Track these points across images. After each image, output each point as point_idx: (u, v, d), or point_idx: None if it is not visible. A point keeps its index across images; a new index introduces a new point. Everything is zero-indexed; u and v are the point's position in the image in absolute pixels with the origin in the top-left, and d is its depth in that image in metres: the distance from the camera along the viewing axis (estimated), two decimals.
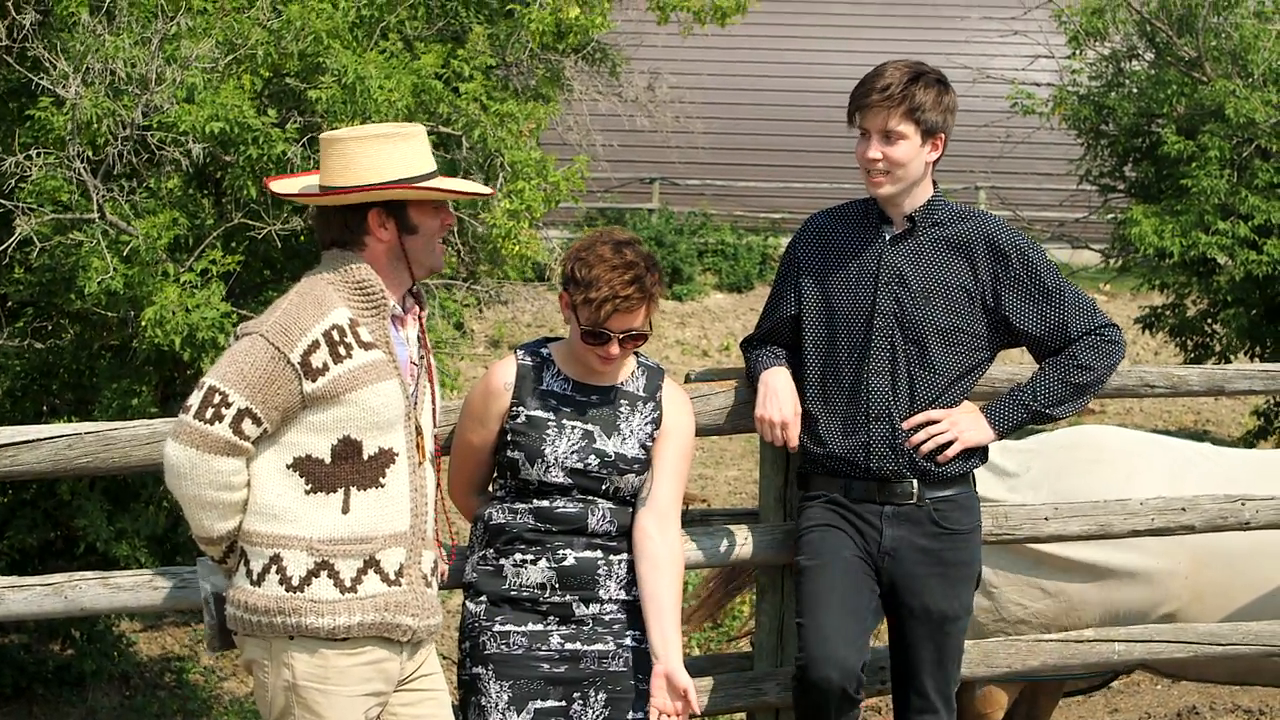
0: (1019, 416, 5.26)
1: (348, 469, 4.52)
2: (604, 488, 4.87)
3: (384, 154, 4.54)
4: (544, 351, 4.98)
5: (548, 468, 4.84)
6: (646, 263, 4.82)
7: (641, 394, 4.96)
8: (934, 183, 5.26)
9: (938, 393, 5.19)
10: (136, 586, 4.96)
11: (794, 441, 5.20)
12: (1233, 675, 6.47)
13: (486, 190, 4.92)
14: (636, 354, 4.99)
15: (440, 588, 4.99)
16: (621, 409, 4.92)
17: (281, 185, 4.81)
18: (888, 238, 5.22)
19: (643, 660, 4.92)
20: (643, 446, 4.92)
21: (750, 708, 5.64)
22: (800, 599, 5.24)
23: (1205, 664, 6.19)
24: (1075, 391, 5.28)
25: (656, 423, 4.95)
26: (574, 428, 4.87)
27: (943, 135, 5.15)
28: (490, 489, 5.05)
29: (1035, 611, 6.30)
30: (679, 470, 4.98)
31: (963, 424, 5.20)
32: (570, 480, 4.85)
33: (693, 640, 9.66)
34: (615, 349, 4.80)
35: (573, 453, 4.85)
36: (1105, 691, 9.17)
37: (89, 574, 4.99)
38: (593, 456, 4.86)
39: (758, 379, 5.26)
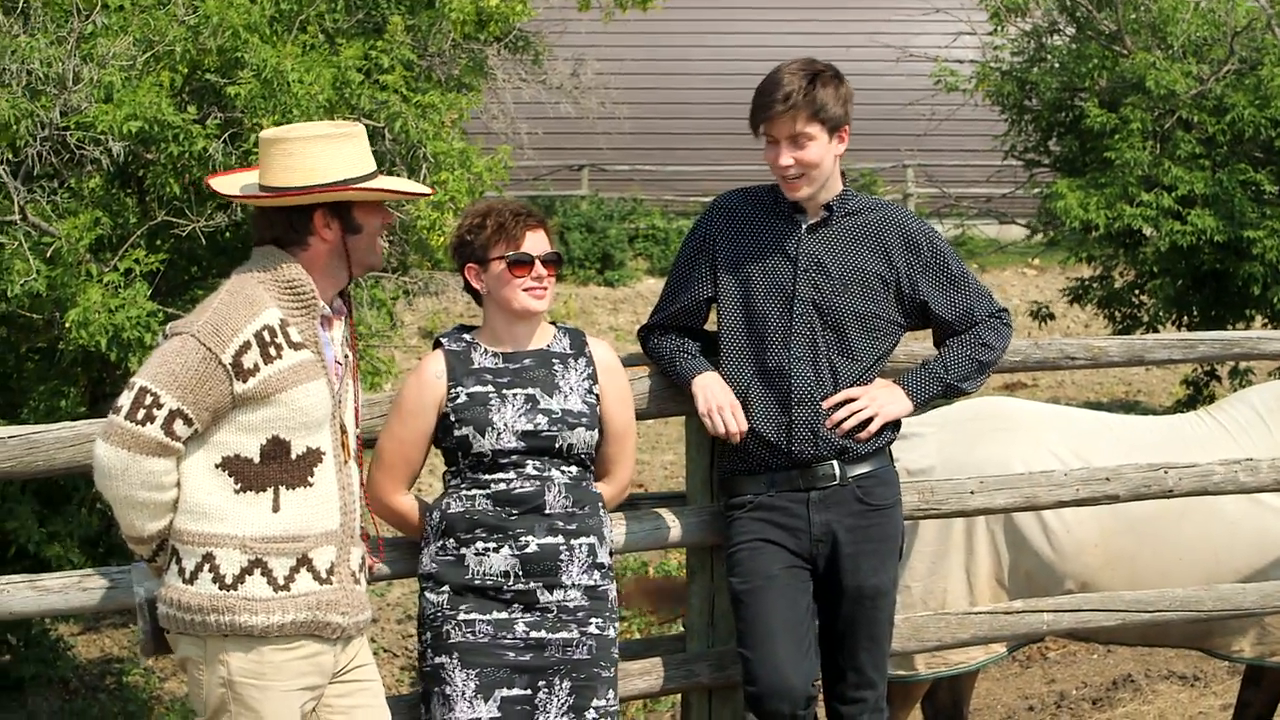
0: (934, 389, 5.37)
1: (276, 468, 4.52)
2: (557, 446, 4.93)
3: (328, 154, 4.55)
4: (466, 336, 5.06)
5: (499, 434, 4.89)
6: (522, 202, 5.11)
7: (570, 351, 5.06)
8: (842, 173, 5.31)
9: (856, 377, 5.26)
10: (66, 588, 4.93)
11: (744, 424, 5.22)
12: (1144, 638, 6.55)
13: (427, 190, 4.96)
14: (553, 322, 5.10)
15: (375, 580, 5.02)
16: (555, 368, 5.00)
17: (222, 184, 4.80)
18: (804, 226, 5.26)
19: (605, 648, 4.98)
20: (584, 402, 4.99)
21: (684, 689, 5.67)
22: (741, 629, 5.29)
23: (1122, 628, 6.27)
24: (980, 368, 5.43)
25: (593, 377, 5.04)
26: (515, 394, 4.94)
27: (847, 127, 5.20)
28: (443, 479, 5.08)
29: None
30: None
31: (881, 399, 5.27)
32: (523, 444, 4.90)
33: (633, 625, 9.70)
34: (540, 269, 4.94)
35: (520, 416, 4.91)
36: (1042, 662, 9.27)
37: (16, 577, 4.96)
38: (540, 416, 4.92)
39: (688, 383, 5.27)
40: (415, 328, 18.24)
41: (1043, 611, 6.04)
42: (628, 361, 5.56)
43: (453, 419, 4.94)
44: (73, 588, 4.95)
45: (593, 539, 4.98)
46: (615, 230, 23.00)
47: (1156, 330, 14.14)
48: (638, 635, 9.38)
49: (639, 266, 23.00)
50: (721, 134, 25.82)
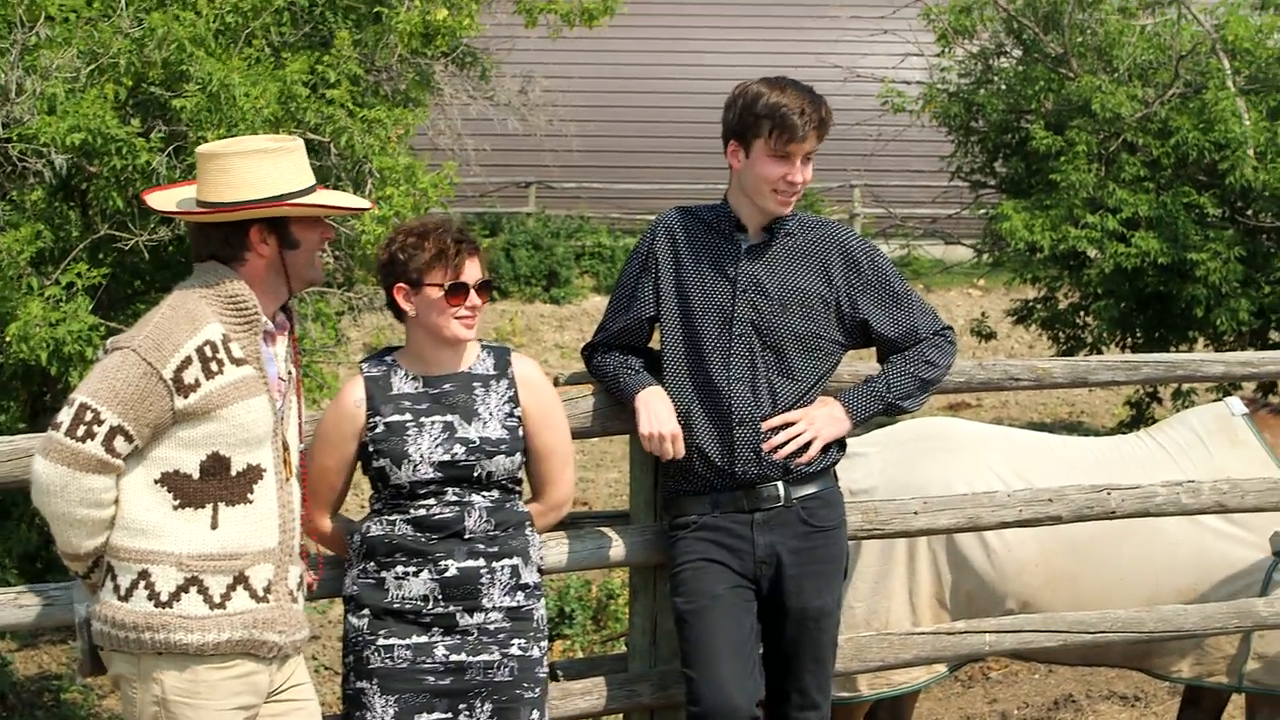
0: (874, 406, 5.37)
1: (216, 485, 4.49)
2: (475, 474, 4.88)
3: (265, 169, 4.52)
4: (388, 359, 5.02)
5: (415, 466, 4.85)
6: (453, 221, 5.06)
7: (493, 372, 5.00)
8: None
9: (796, 398, 5.26)
10: (1, 605, 4.89)
11: (682, 451, 5.22)
12: (1084, 658, 6.59)
13: (366, 205, 4.92)
14: (480, 340, 5.06)
15: (313, 598, 4.98)
16: (476, 392, 4.95)
17: (158, 200, 4.76)
18: (744, 246, 5.26)
19: (528, 668, 4.95)
20: (504, 427, 4.93)
21: (626, 708, 5.65)
22: (685, 649, 5.28)
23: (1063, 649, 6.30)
24: (923, 386, 5.43)
25: (514, 400, 4.97)
26: (433, 422, 4.89)
27: None
28: (368, 502, 5.05)
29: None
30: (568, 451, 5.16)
31: (819, 421, 5.27)
32: (440, 474, 4.85)
33: (575, 644, 9.67)
34: (474, 298, 4.90)
35: (437, 446, 4.86)
36: (984, 682, 9.28)
37: None
38: (458, 446, 4.87)
39: (632, 398, 5.27)
40: (360, 343, 18.18)
41: (985, 632, 6.06)
42: (572, 380, 5.55)
43: (371, 450, 4.90)
44: (8, 604, 4.90)
45: (516, 560, 4.94)
46: (562, 248, 23.02)
47: (1100, 351, 14.20)
48: (580, 654, 9.36)
49: (585, 284, 23.01)
50: (669, 152, 25.91)
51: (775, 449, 5.21)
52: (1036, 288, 15.05)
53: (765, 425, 5.21)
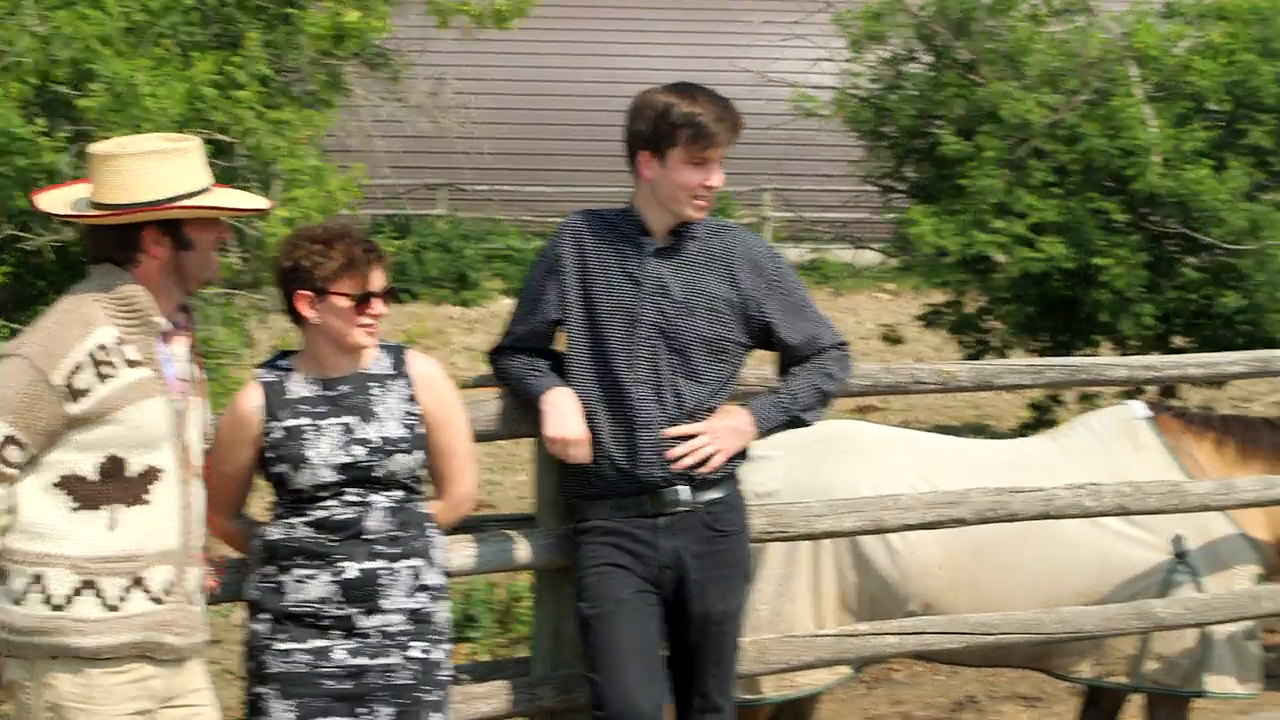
0: (780, 417, 5.37)
1: (113, 487, 4.45)
2: (376, 474, 4.85)
3: (160, 170, 4.47)
4: (283, 364, 4.97)
5: (315, 470, 4.82)
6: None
7: (390, 371, 4.97)
8: None
9: (701, 401, 5.25)
10: None
11: (589, 456, 5.22)
12: (986, 659, 6.64)
13: (265, 204, 4.88)
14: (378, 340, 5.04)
15: (215, 602, 4.95)
16: (373, 393, 4.91)
17: (49, 201, 4.69)
18: (650, 249, 5.27)
19: (430, 671, 4.92)
20: (403, 425, 4.91)
21: (528, 712, 5.64)
22: (590, 654, 5.27)
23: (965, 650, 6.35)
24: (823, 398, 5.45)
25: (412, 398, 4.94)
26: (331, 425, 4.86)
27: None
28: (269, 506, 5.02)
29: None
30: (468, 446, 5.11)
31: (723, 435, 5.26)
32: (341, 475, 4.83)
33: (480, 646, 9.66)
34: (379, 306, 4.87)
35: (337, 449, 4.83)
36: (888, 684, 9.34)
37: None
38: (357, 446, 4.84)
39: (538, 399, 5.26)
40: (269, 345, 18.07)
41: (888, 634, 6.10)
42: (480, 382, 5.54)
43: (270, 455, 4.87)
44: None
45: (418, 562, 4.91)
46: (472, 250, 22.99)
47: (1006, 355, 14.30)
48: (486, 657, 9.34)
49: (495, 286, 22.97)
50: (580, 155, 25.91)
51: (677, 458, 5.21)
52: (945, 292, 15.13)
53: (667, 433, 5.21)
